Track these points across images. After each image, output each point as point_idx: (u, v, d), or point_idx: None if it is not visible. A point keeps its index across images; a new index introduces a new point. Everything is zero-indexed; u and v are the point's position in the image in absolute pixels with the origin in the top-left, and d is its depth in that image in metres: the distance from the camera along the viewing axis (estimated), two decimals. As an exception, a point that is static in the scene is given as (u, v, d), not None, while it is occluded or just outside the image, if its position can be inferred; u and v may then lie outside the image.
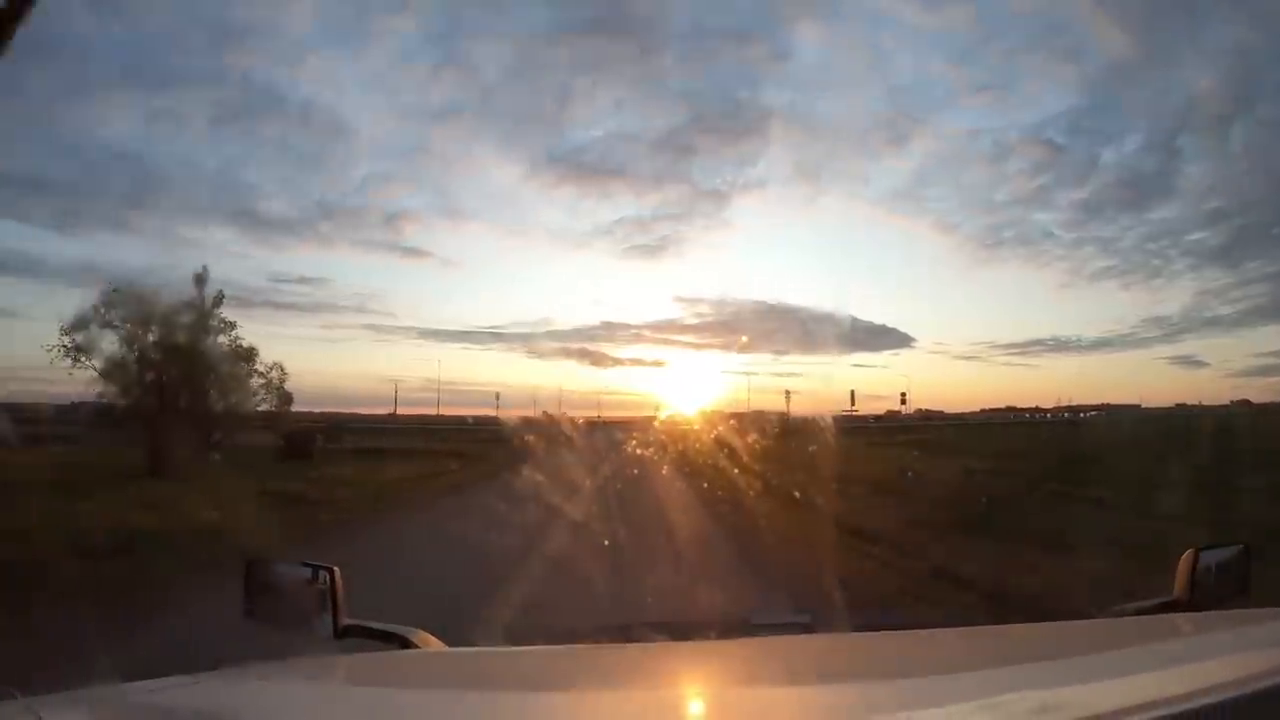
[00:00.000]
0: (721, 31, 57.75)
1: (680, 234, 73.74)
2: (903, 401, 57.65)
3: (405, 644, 1.37)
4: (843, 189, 77.44)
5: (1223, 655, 0.99)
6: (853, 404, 60.23)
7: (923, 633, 1.50)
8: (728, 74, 66.62)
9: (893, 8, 57.75)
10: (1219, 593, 1.40)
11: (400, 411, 58.51)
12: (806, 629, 1.46)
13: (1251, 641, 1.09)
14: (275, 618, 1.46)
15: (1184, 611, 1.36)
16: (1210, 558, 1.40)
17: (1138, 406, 64.28)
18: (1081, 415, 60.84)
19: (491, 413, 61.82)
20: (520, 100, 60.83)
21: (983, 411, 65.93)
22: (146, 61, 49.52)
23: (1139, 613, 1.42)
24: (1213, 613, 1.33)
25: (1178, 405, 61.62)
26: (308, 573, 1.45)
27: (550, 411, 63.99)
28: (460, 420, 54.37)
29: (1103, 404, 65.47)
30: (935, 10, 54.90)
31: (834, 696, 1.01)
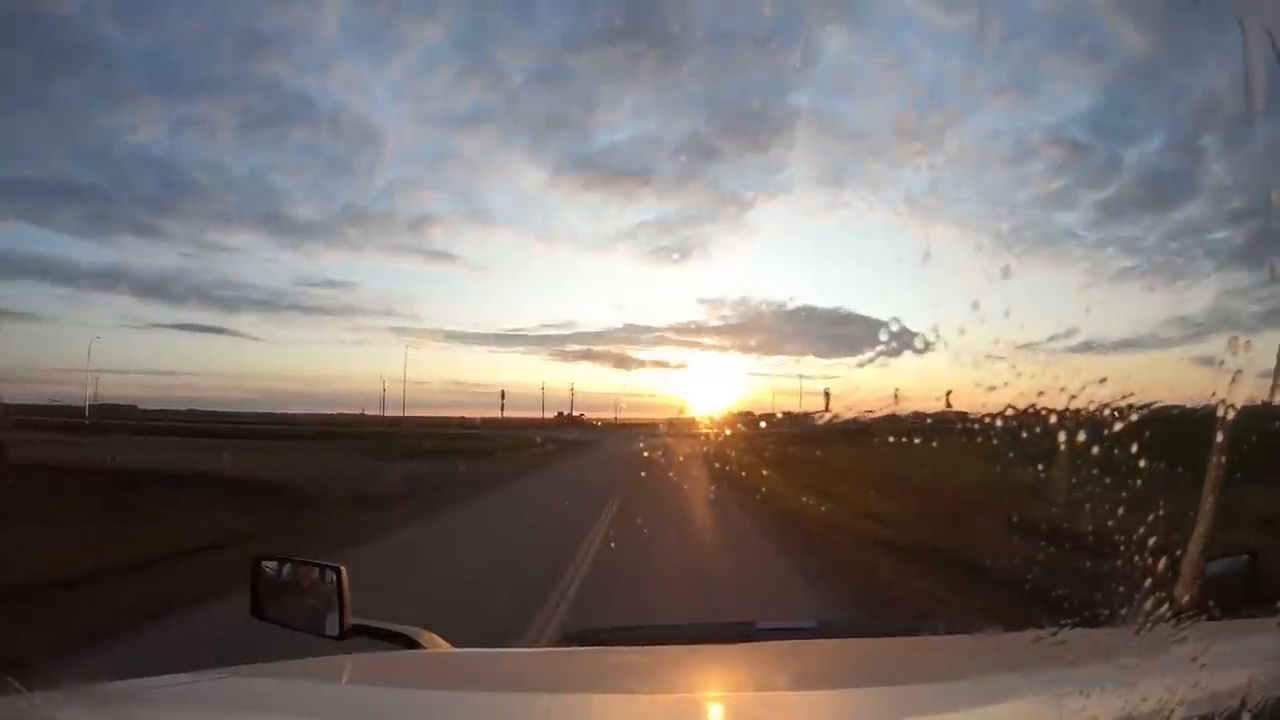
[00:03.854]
0: (744, 36, 57.52)
1: (703, 237, 73.58)
2: (948, 404, 56.26)
3: (411, 644, 1.37)
4: (865, 191, 76.56)
5: (1228, 666, 0.97)
6: (896, 402, 59.10)
7: (928, 639, 1.50)
8: (751, 78, 66.43)
9: (915, 9, 57.26)
10: (1225, 602, 1.38)
11: (413, 413, 58.37)
12: (812, 634, 1.46)
13: (1257, 652, 1.08)
14: (282, 616, 1.48)
15: (1190, 621, 1.34)
16: (1217, 567, 1.39)
17: (1183, 407, 62.75)
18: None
19: (511, 414, 61.95)
20: (545, 105, 61.44)
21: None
22: (175, 69, 50.75)
23: None
24: (1219, 622, 1.32)
25: (1203, 406, 60.33)
26: (315, 572, 1.47)
27: (565, 413, 63.89)
28: (455, 422, 53.50)
29: (1129, 405, 64.18)
30: (956, 11, 54.28)
31: (839, 703, 1.01)
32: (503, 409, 57.75)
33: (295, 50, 53.59)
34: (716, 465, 15.64)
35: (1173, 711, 0.78)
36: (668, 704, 1.07)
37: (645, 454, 20.35)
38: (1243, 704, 0.77)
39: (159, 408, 46.77)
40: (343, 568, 1.41)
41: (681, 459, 18.38)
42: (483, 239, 76.53)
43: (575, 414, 65.01)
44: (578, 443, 33.19)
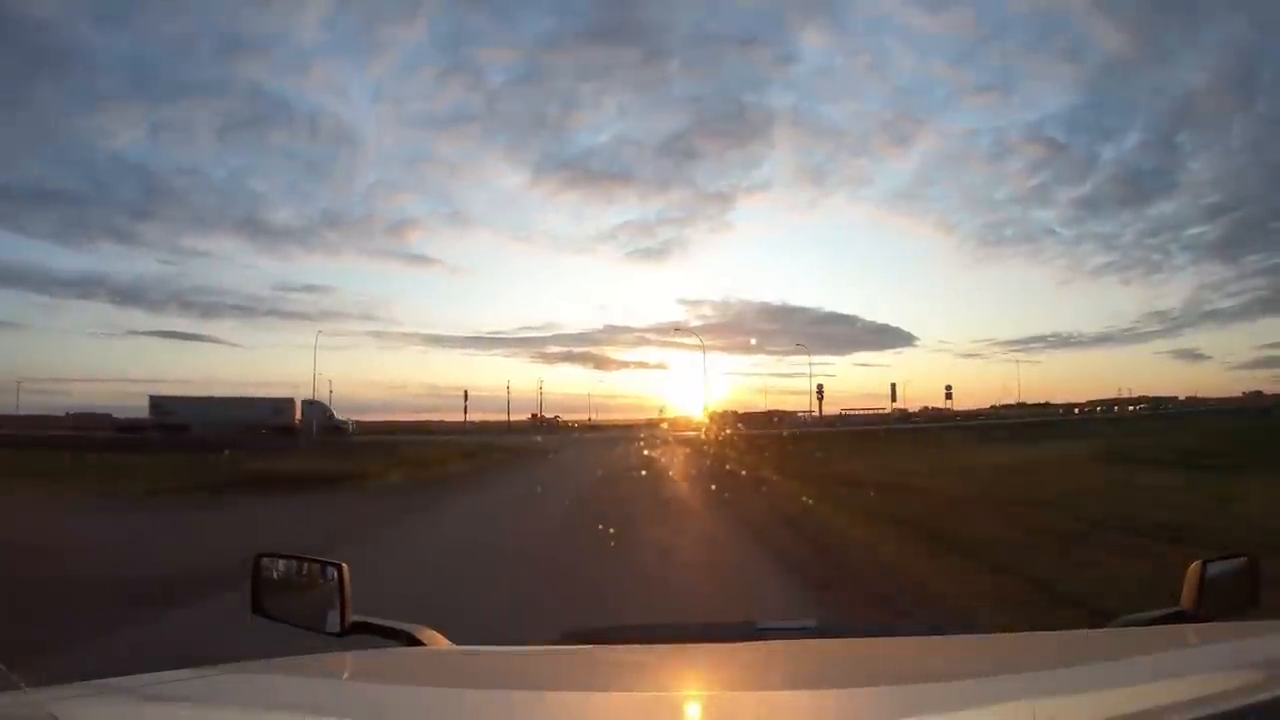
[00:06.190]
0: (725, 36, 58.21)
1: (684, 237, 74.29)
2: (948, 396, 56.33)
3: (411, 641, 1.38)
4: (845, 190, 78.61)
5: (1228, 667, 0.99)
6: (894, 400, 58.41)
7: (929, 639, 1.51)
8: (732, 78, 67.49)
9: (894, 11, 58.61)
10: (1226, 604, 1.40)
11: (391, 419, 56.79)
12: (812, 634, 1.46)
13: (1258, 653, 1.10)
14: (283, 613, 1.47)
15: (1191, 622, 1.37)
16: (1217, 569, 1.40)
17: (1176, 399, 64.54)
18: (1131, 409, 60.66)
19: (487, 417, 61.21)
20: (525, 107, 61.44)
21: (993, 408, 65.24)
22: (153, 72, 49.78)
23: (1145, 623, 1.42)
24: (1219, 624, 1.34)
25: (1188, 398, 62.17)
26: (316, 569, 1.47)
27: (537, 414, 63.22)
28: (403, 426, 51.31)
29: (1141, 397, 65.66)
30: (936, 13, 55.43)
31: (840, 702, 1.01)
32: (465, 411, 57.45)
33: (274, 53, 52.93)
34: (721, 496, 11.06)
35: (1173, 712, 0.78)
36: (667, 702, 1.08)
37: (608, 481, 13.83)
38: (1242, 704, 0.78)
39: (136, 415, 44.74)
40: (344, 564, 1.40)
41: (662, 493, 12.63)
42: (462, 242, 76.31)
43: (548, 415, 64.67)
44: (529, 452, 24.86)
